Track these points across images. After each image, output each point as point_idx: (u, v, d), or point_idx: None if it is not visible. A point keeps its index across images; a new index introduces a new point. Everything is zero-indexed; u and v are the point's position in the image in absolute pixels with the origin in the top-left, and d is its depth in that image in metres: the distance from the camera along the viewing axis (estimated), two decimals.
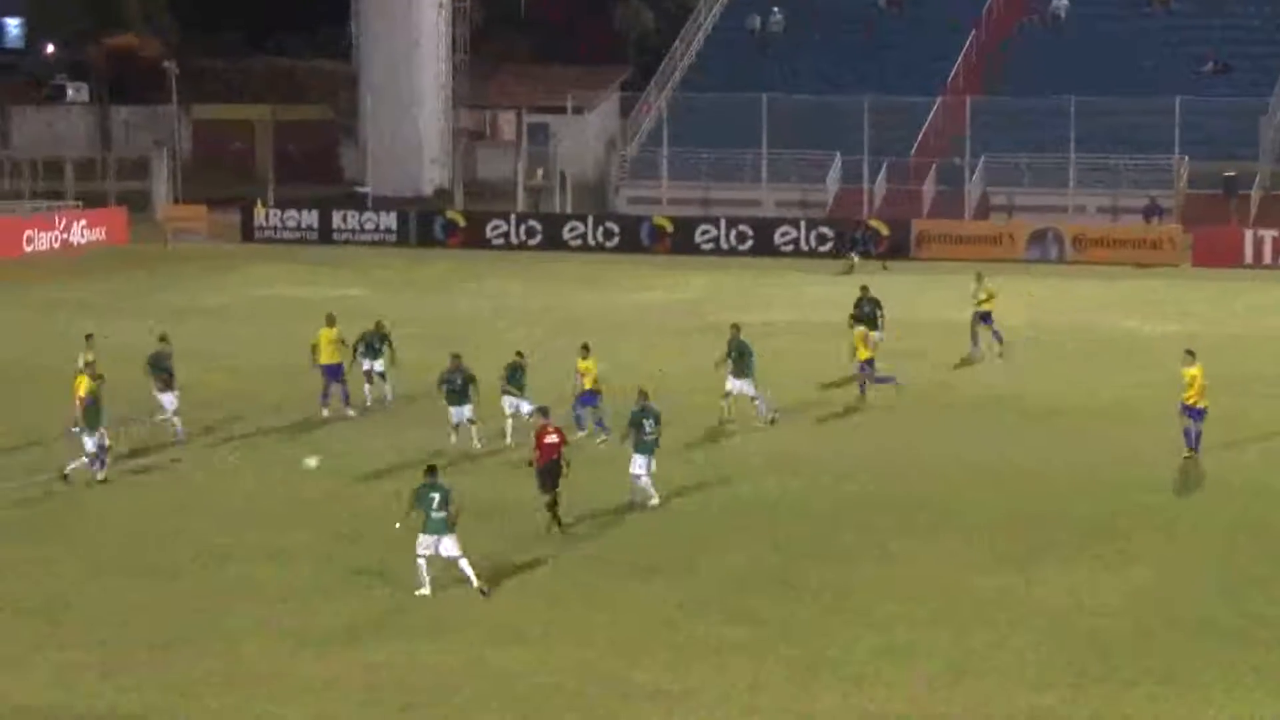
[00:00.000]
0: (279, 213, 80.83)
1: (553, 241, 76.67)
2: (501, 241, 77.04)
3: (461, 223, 78.73)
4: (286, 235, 79.82)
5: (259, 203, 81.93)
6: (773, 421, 39.93)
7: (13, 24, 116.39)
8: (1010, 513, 32.54)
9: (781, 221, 75.75)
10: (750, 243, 74.71)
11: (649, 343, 51.50)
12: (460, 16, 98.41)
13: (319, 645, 25.96)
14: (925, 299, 59.10)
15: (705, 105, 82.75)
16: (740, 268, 69.76)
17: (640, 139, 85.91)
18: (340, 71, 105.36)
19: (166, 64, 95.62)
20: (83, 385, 35.24)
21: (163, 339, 41.45)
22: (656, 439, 33.38)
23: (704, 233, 75.50)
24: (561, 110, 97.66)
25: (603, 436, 37.63)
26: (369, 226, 79.61)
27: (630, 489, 33.05)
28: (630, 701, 23.56)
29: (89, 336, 41.21)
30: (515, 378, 38.30)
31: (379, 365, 42.51)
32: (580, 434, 37.63)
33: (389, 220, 79.69)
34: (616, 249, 75.32)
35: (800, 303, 59.58)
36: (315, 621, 27.00)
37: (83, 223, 79.29)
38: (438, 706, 23.58)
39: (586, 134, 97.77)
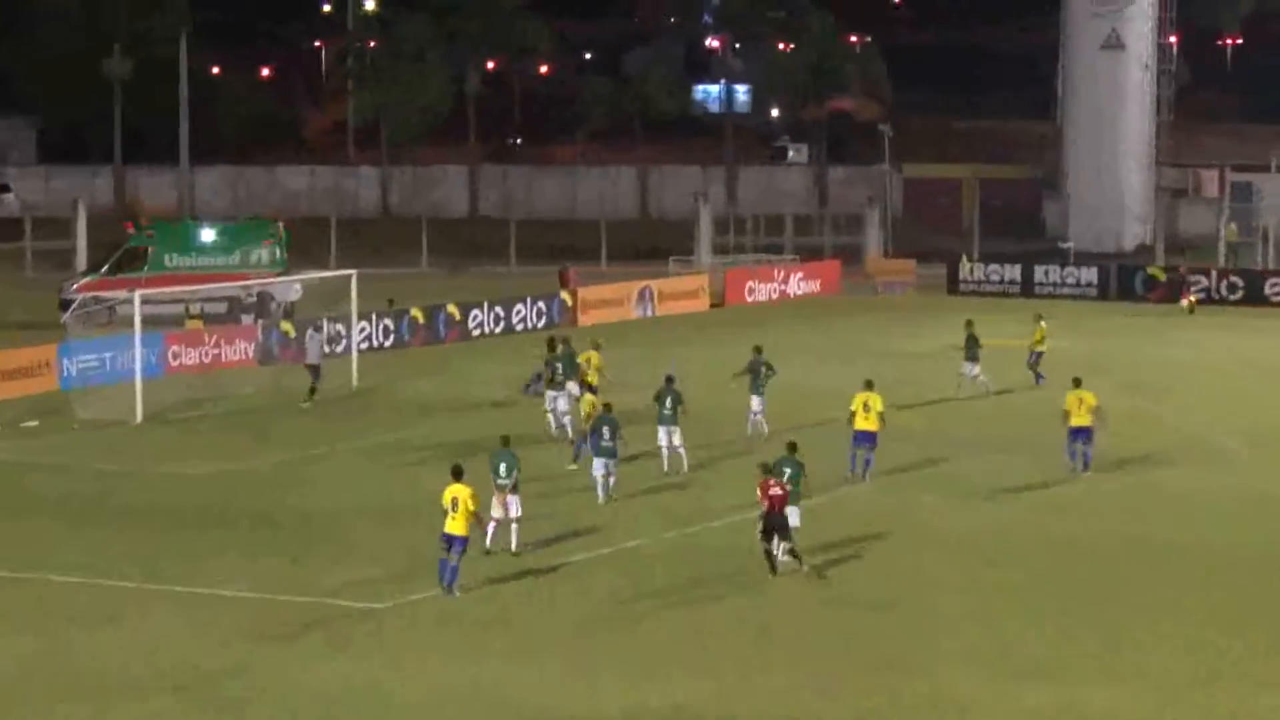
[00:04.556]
0: (983, 266, 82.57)
1: (1254, 297, 76.63)
2: (1202, 296, 76.67)
3: (1162, 278, 78.94)
4: (989, 288, 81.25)
5: (964, 257, 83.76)
6: None
7: (741, 90, 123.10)
8: None
9: None
10: None
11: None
12: (1165, 77, 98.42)
13: (1016, 678, 27.81)
14: None
15: None
16: None
17: None
18: (1042, 131, 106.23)
19: (881, 126, 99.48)
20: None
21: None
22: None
23: None
24: (1266, 168, 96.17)
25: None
26: (1070, 280, 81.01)
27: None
28: None
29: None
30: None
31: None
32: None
33: (1090, 274, 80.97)
34: None
35: None
36: (1014, 654, 28.92)
37: (799, 275, 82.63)
38: None
39: None
